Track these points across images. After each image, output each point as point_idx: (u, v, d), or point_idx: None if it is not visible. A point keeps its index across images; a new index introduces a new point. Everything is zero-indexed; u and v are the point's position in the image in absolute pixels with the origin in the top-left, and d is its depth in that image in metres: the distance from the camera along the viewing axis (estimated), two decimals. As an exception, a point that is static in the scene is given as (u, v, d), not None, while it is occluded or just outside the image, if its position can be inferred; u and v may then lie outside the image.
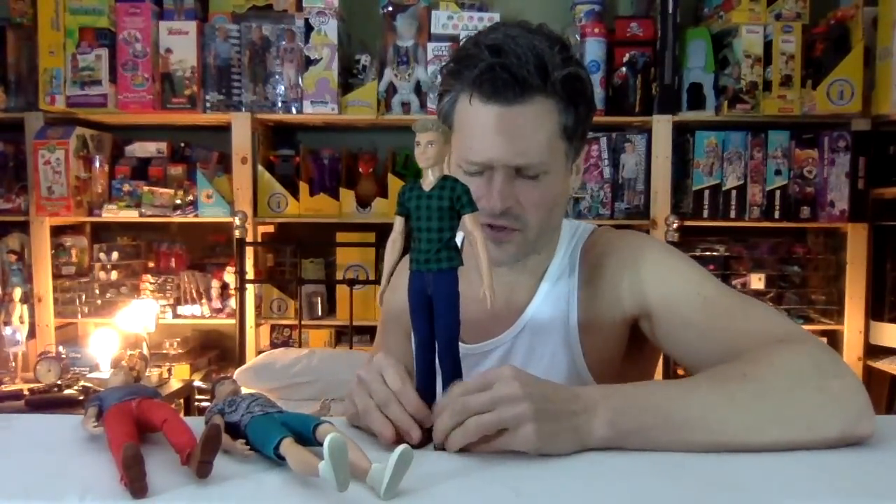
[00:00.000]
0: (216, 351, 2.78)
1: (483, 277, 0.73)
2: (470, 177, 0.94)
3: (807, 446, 0.73)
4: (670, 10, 2.40)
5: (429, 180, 0.73)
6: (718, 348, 0.88)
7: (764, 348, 0.81)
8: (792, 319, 2.47)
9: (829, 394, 0.75)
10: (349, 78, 2.50)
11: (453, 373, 0.75)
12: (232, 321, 2.45)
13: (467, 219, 0.73)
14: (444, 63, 1.02)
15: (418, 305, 0.75)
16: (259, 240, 2.55)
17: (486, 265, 0.73)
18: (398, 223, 0.76)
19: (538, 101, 0.91)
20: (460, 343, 0.97)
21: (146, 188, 2.51)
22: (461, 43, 0.98)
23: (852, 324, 2.46)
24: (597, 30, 2.44)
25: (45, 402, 2.05)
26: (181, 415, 0.74)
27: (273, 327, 2.66)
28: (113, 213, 2.51)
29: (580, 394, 0.74)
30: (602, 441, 0.72)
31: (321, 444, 0.60)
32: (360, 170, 2.59)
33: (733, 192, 2.48)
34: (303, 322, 2.42)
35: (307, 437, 0.68)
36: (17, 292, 2.36)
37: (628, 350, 1.03)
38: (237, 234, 2.29)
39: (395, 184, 2.49)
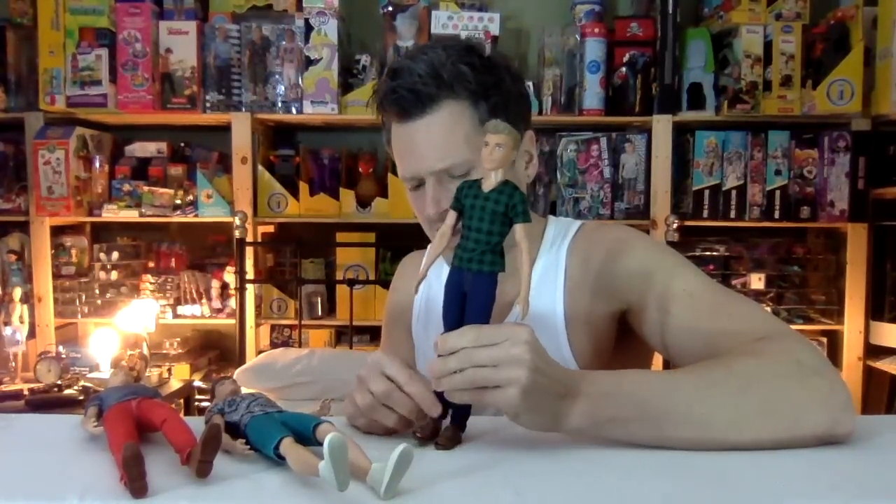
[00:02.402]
0: (216, 351, 2.78)
1: (521, 288, 0.73)
2: (412, 192, 1.00)
3: (789, 443, 0.74)
4: (670, 10, 2.40)
5: (490, 182, 0.74)
6: (702, 343, 0.89)
7: (747, 345, 0.82)
8: (792, 319, 2.48)
9: (812, 391, 0.76)
10: (349, 78, 2.50)
11: None
12: (232, 321, 2.45)
13: (518, 227, 0.73)
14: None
15: (452, 300, 0.76)
16: (259, 240, 2.55)
17: (526, 277, 0.73)
18: (451, 217, 0.77)
19: (446, 106, 0.96)
20: None
21: (146, 188, 2.51)
22: None
23: (852, 324, 2.46)
24: (597, 30, 2.44)
25: (45, 402, 2.05)
26: (181, 415, 0.74)
27: (273, 327, 2.66)
28: (113, 213, 2.51)
29: (570, 380, 0.75)
30: (578, 428, 0.74)
31: (321, 444, 0.60)
32: (360, 170, 2.59)
33: (733, 192, 2.48)
34: (303, 322, 2.43)
35: (307, 437, 0.68)
36: (17, 292, 2.36)
37: (619, 344, 1.04)
38: (237, 234, 2.29)
39: (395, 184, 2.49)
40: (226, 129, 2.49)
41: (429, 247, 0.79)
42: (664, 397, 0.75)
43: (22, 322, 2.34)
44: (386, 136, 1.03)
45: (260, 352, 2.43)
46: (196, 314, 2.57)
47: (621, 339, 1.04)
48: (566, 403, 0.73)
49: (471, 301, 0.74)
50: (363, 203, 2.52)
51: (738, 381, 0.76)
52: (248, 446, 0.69)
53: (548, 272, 1.04)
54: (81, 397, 2.07)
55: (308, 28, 2.42)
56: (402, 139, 0.98)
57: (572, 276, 1.02)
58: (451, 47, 0.98)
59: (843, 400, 0.77)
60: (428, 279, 1.13)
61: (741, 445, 0.73)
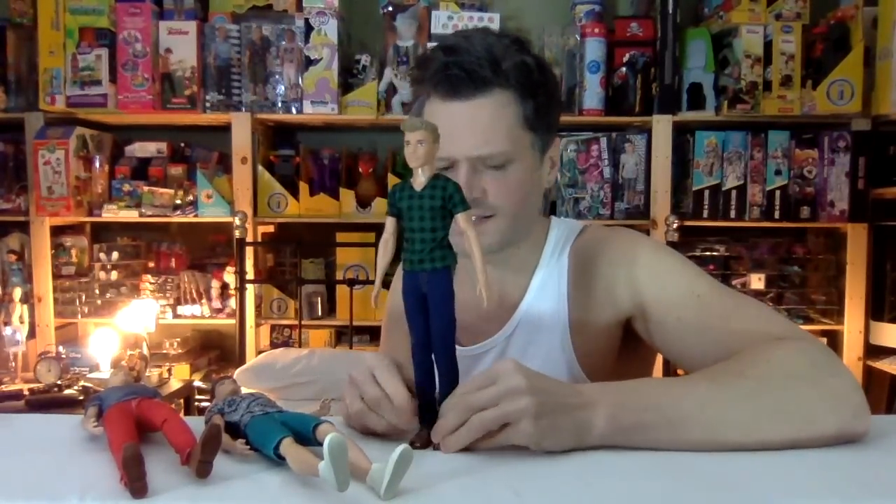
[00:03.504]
0: (216, 351, 2.78)
1: (478, 276, 0.72)
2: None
3: (804, 444, 0.73)
4: (670, 10, 2.40)
5: (420, 180, 0.74)
6: (713, 347, 0.88)
7: (761, 346, 0.81)
8: (792, 319, 2.48)
9: (826, 392, 0.76)
10: (349, 78, 2.50)
11: (449, 371, 0.76)
12: (232, 321, 2.45)
13: (460, 217, 0.73)
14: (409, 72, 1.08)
15: (414, 305, 0.75)
16: (259, 240, 2.55)
17: (479, 264, 0.73)
18: (390, 224, 0.76)
19: (495, 94, 0.93)
20: (457, 346, 0.98)
21: (146, 188, 2.51)
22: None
23: (852, 324, 2.46)
24: (597, 30, 2.44)
25: (45, 402, 2.05)
26: (181, 415, 0.74)
27: (273, 327, 2.66)
28: (113, 213, 2.51)
29: (581, 390, 0.75)
30: (601, 438, 0.73)
31: (321, 444, 0.60)
32: (360, 170, 2.59)
33: (733, 192, 2.48)
34: (303, 322, 2.42)
35: (307, 437, 0.68)
36: (17, 292, 2.36)
37: (623, 349, 1.03)
38: (237, 234, 2.29)
39: (395, 184, 2.49)
40: (226, 129, 2.49)
41: (378, 258, 0.77)
42: (680, 402, 0.74)
43: (22, 322, 2.34)
44: (417, 109, 1.00)
45: (260, 352, 2.43)
46: (196, 314, 2.57)
47: (625, 345, 1.03)
48: (586, 414, 0.72)
49: (432, 300, 0.74)
50: (363, 203, 2.52)
51: (751, 384, 0.76)
52: (248, 446, 0.69)
53: (551, 275, 1.03)
54: (81, 397, 2.07)
55: (308, 28, 2.42)
56: (443, 117, 0.94)
57: (577, 281, 1.02)
58: (507, 37, 0.96)
59: (857, 401, 0.76)
60: None
61: (755, 447, 0.73)
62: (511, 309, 1.03)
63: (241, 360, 2.32)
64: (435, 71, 0.94)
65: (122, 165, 2.61)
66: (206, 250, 2.73)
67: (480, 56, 0.92)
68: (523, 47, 0.96)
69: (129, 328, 2.36)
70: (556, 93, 1.01)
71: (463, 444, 0.71)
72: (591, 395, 0.74)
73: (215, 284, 2.58)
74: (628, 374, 1.03)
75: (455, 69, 0.92)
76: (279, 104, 2.46)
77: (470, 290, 1.06)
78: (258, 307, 2.53)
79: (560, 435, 0.71)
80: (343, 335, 2.60)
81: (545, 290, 1.02)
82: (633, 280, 0.98)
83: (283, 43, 2.45)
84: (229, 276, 2.54)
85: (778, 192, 2.48)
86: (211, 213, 2.48)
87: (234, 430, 0.72)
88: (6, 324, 2.32)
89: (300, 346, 2.48)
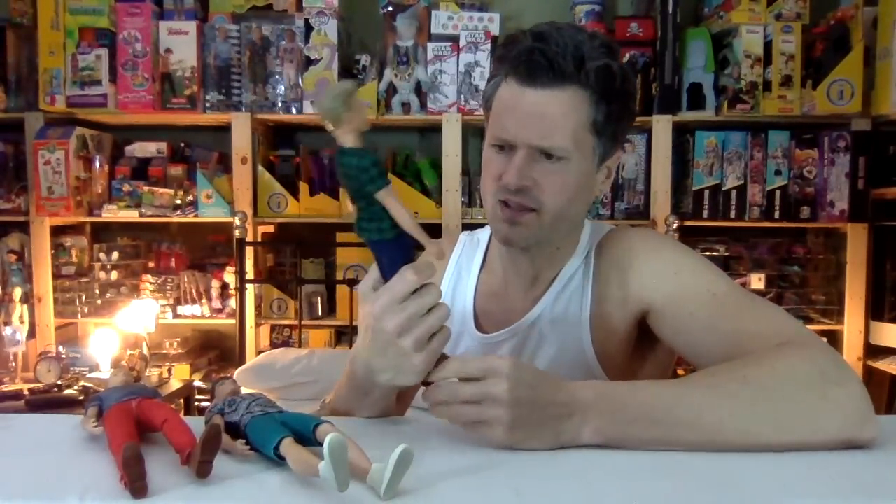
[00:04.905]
0: (216, 351, 2.78)
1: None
2: (493, 153, 0.97)
3: (806, 451, 0.73)
4: (670, 10, 2.40)
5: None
6: (723, 345, 0.88)
7: (768, 351, 0.81)
8: (792, 319, 2.47)
9: (831, 401, 0.75)
10: (349, 78, 2.50)
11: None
12: (232, 321, 2.45)
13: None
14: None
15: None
16: (259, 240, 2.55)
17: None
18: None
19: (571, 90, 0.93)
20: (477, 332, 1.05)
21: (146, 188, 2.51)
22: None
23: (852, 324, 2.46)
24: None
25: (45, 402, 2.05)
26: (181, 415, 0.74)
27: (273, 327, 2.66)
28: (113, 213, 2.51)
29: (571, 396, 0.74)
30: (588, 443, 0.74)
31: (321, 444, 0.60)
32: (361, 170, 2.59)
33: (733, 192, 2.48)
34: (303, 322, 2.43)
35: (307, 437, 0.68)
36: (17, 292, 2.36)
37: (639, 349, 1.04)
38: (237, 234, 2.29)
39: (395, 184, 2.48)
40: (226, 129, 2.49)
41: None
42: (676, 407, 0.74)
43: (22, 322, 2.34)
44: (492, 88, 0.99)
45: (260, 352, 2.43)
46: (196, 314, 2.57)
47: (641, 344, 1.04)
48: (573, 424, 0.73)
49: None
50: (363, 203, 2.52)
51: (752, 390, 0.75)
52: (248, 446, 0.69)
53: (577, 272, 1.05)
54: (81, 397, 2.07)
55: (308, 28, 2.42)
56: (514, 100, 0.94)
57: (599, 277, 1.03)
58: (598, 38, 0.95)
59: (864, 409, 0.77)
60: (453, 290, 1.12)
61: (753, 450, 0.73)
62: (534, 301, 1.04)
63: (241, 360, 2.32)
64: (518, 53, 0.93)
65: (122, 165, 2.61)
66: (206, 250, 2.73)
67: (566, 49, 0.92)
68: (612, 52, 0.96)
69: (129, 328, 2.36)
70: (632, 104, 1.00)
71: (442, 417, 0.75)
72: (580, 405, 0.74)
73: (215, 284, 2.58)
74: (643, 374, 1.05)
75: (538, 56, 0.92)
76: (279, 104, 2.46)
77: (497, 279, 1.07)
78: (258, 307, 2.53)
79: (538, 441, 0.73)
80: (343, 335, 2.61)
81: (569, 286, 1.04)
82: (651, 276, 0.98)
83: (283, 43, 2.45)
84: (229, 276, 2.54)
85: (778, 192, 2.48)
86: (211, 213, 2.48)
87: (234, 430, 0.72)
88: (6, 324, 2.32)
89: (300, 346, 2.48)
